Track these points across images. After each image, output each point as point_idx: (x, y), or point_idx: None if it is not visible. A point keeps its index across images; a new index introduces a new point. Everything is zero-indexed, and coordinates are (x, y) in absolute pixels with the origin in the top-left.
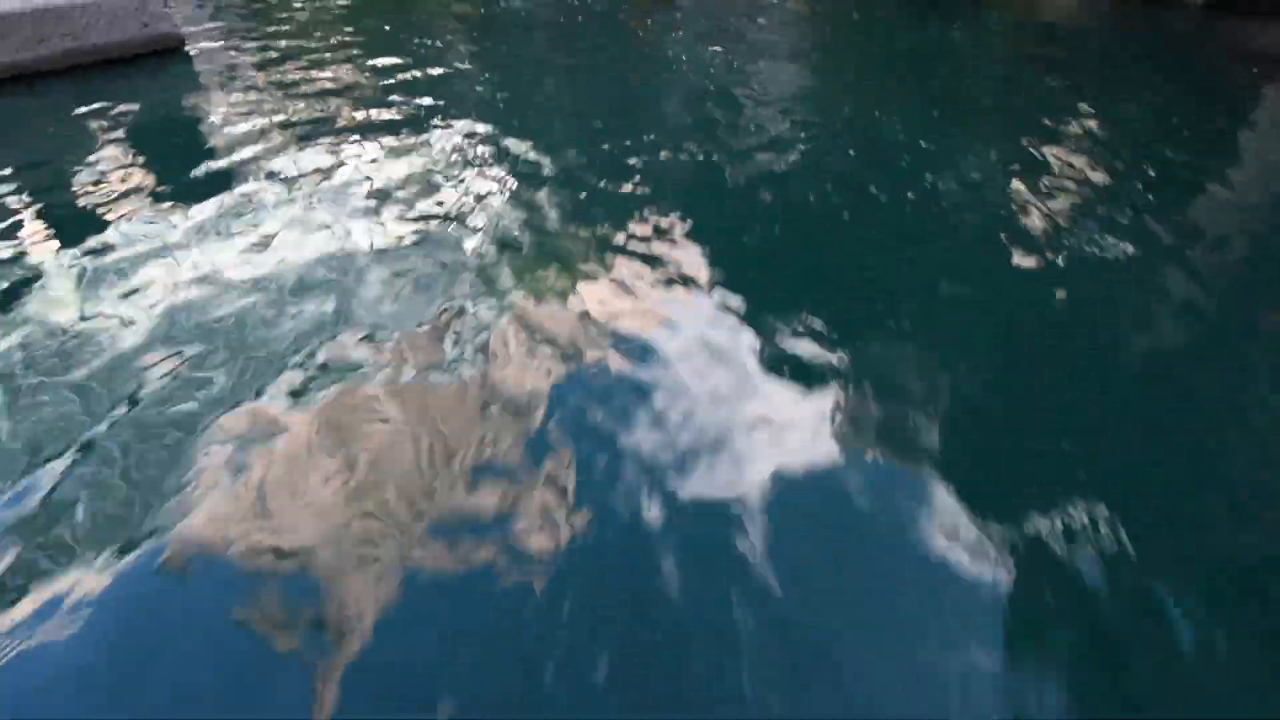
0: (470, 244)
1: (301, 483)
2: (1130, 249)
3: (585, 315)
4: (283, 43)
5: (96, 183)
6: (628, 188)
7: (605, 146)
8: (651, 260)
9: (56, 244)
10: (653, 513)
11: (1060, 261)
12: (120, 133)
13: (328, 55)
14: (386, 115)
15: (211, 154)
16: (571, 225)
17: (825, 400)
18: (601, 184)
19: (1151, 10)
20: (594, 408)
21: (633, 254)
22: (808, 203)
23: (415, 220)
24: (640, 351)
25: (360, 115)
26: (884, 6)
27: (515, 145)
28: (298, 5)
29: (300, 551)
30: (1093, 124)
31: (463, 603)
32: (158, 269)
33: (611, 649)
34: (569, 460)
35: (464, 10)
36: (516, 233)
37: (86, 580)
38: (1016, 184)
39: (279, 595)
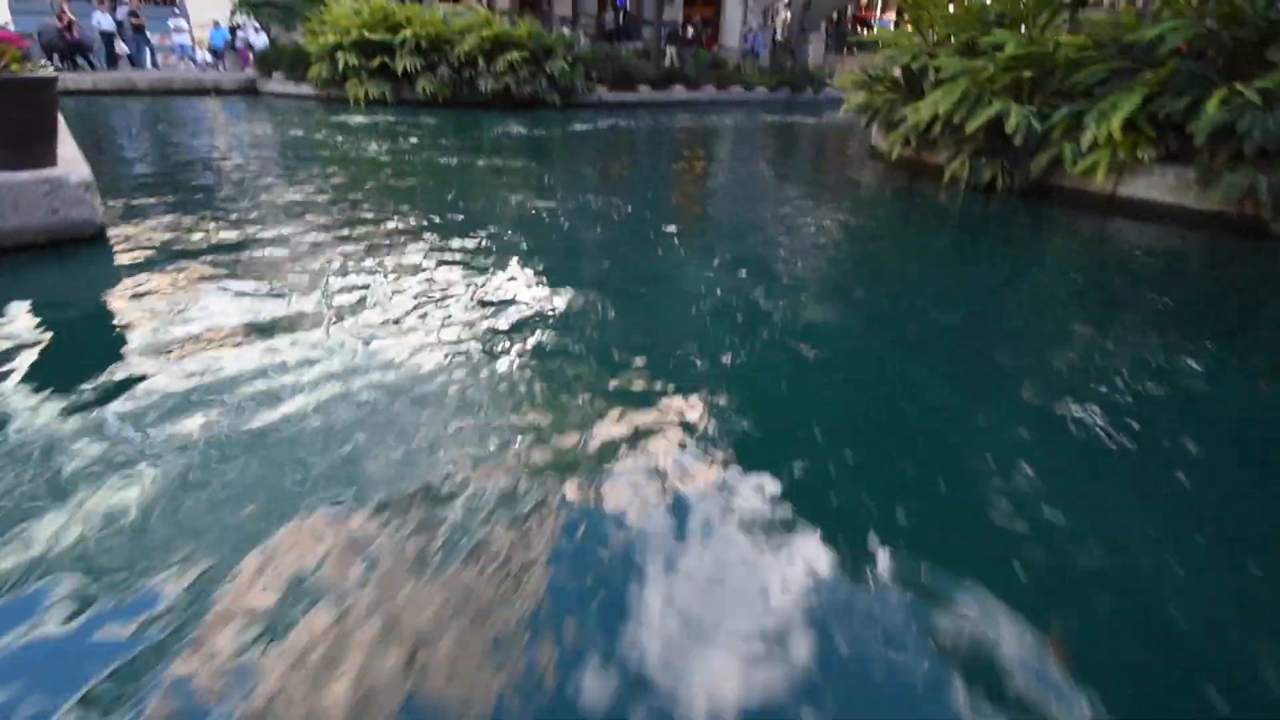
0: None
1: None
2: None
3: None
4: (233, 233)
5: None
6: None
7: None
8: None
9: None
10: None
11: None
12: None
13: (280, 245)
14: (336, 330)
15: (90, 369)
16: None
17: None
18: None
19: (1244, 240)
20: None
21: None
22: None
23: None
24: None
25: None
26: (933, 227)
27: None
28: (271, 186)
29: None
30: (1171, 389)
31: None
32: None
33: None
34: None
35: (458, 200)
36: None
37: None
38: (1076, 468)
39: None
